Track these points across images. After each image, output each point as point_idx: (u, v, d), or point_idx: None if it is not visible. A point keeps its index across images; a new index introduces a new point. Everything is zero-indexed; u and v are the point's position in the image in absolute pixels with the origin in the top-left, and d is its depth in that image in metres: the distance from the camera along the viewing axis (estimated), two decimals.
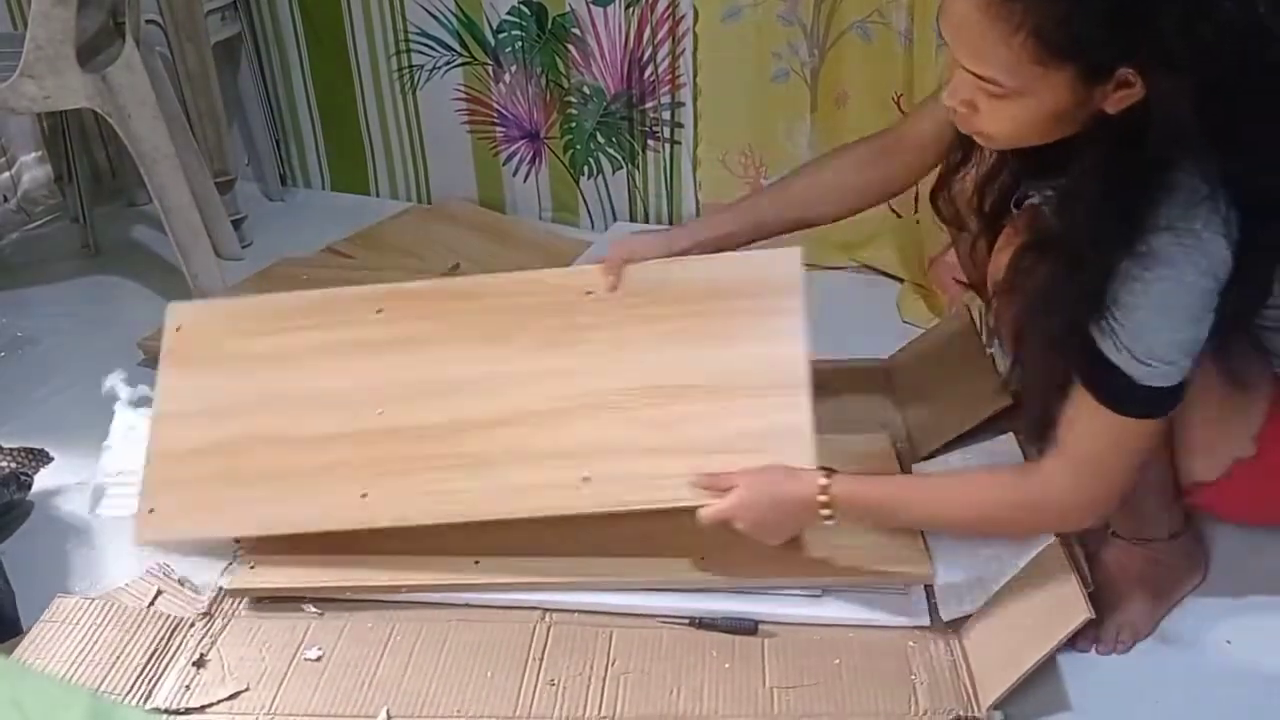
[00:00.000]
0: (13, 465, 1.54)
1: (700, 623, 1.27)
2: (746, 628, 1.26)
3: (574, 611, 1.30)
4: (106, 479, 1.56)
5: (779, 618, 1.27)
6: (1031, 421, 1.27)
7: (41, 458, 1.59)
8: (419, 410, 1.36)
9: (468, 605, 1.31)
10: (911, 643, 1.23)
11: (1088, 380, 1.10)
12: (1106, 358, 1.07)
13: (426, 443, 1.34)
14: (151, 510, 1.37)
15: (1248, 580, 1.35)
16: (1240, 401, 1.18)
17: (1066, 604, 1.14)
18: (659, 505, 1.26)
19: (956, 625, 1.26)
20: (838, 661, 1.21)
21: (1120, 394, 1.08)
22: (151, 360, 1.91)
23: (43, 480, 1.57)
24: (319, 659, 1.24)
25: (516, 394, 1.35)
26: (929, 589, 1.30)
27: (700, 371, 1.33)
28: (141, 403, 1.61)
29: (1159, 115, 1.00)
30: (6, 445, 1.58)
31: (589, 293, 1.41)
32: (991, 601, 1.24)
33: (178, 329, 1.49)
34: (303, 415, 1.38)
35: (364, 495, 1.32)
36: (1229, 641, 1.26)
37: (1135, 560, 1.29)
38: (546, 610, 1.30)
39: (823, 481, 1.20)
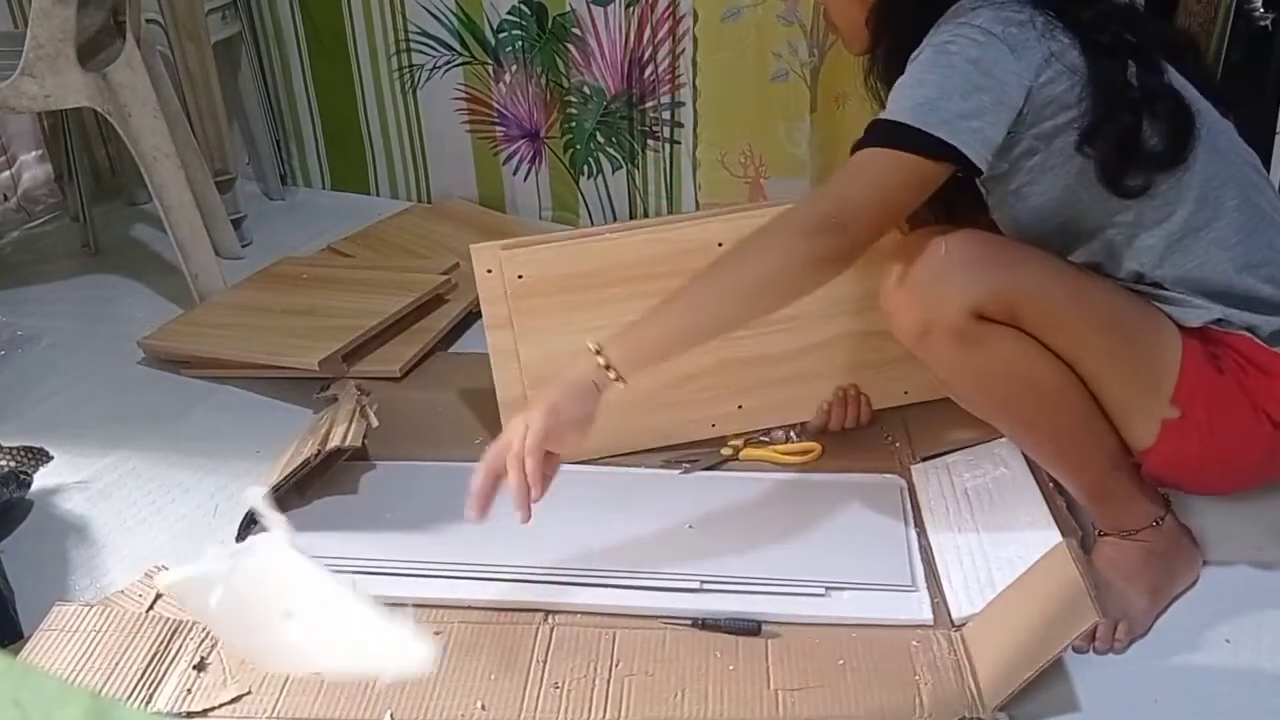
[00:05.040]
0: (12, 464, 1.54)
1: (703, 624, 1.26)
2: (749, 628, 1.25)
3: (576, 613, 1.30)
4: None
5: (783, 618, 1.27)
6: None
7: (41, 456, 1.58)
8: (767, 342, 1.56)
9: (469, 606, 1.31)
10: (915, 642, 1.23)
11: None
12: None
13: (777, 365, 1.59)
14: None
15: (1247, 578, 1.35)
16: (1146, 359, 1.21)
17: (1074, 605, 1.14)
18: None
19: (959, 624, 1.26)
20: (841, 662, 1.21)
21: (867, 131, 1.18)
22: (152, 359, 1.92)
23: (42, 479, 1.57)
24: (318, 672, 1.22)
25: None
26: (939, 589, 1.30)
27: None
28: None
29: None
30: (6, 444, 1.57)
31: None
32: (995, 601, 1.24)
33: (519, 277, 1.52)
34: None
35: (740, 407, 1.60)
36: (1228, 640, 1.26)
37: (1127, 556, 1.29)
38: (549, 611, 1.30)
39: (594, 350, 1.16)
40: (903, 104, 1.15)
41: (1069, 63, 1.16)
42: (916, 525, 1.41)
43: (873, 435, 1.61)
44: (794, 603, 1.29)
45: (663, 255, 1.51)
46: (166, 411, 1.79)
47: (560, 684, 1.20)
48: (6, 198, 2.46)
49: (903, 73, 1.20)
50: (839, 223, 1.14)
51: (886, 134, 1.15)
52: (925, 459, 1.53)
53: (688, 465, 1.55)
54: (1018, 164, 1.22)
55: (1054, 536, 1.29)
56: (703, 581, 1.31)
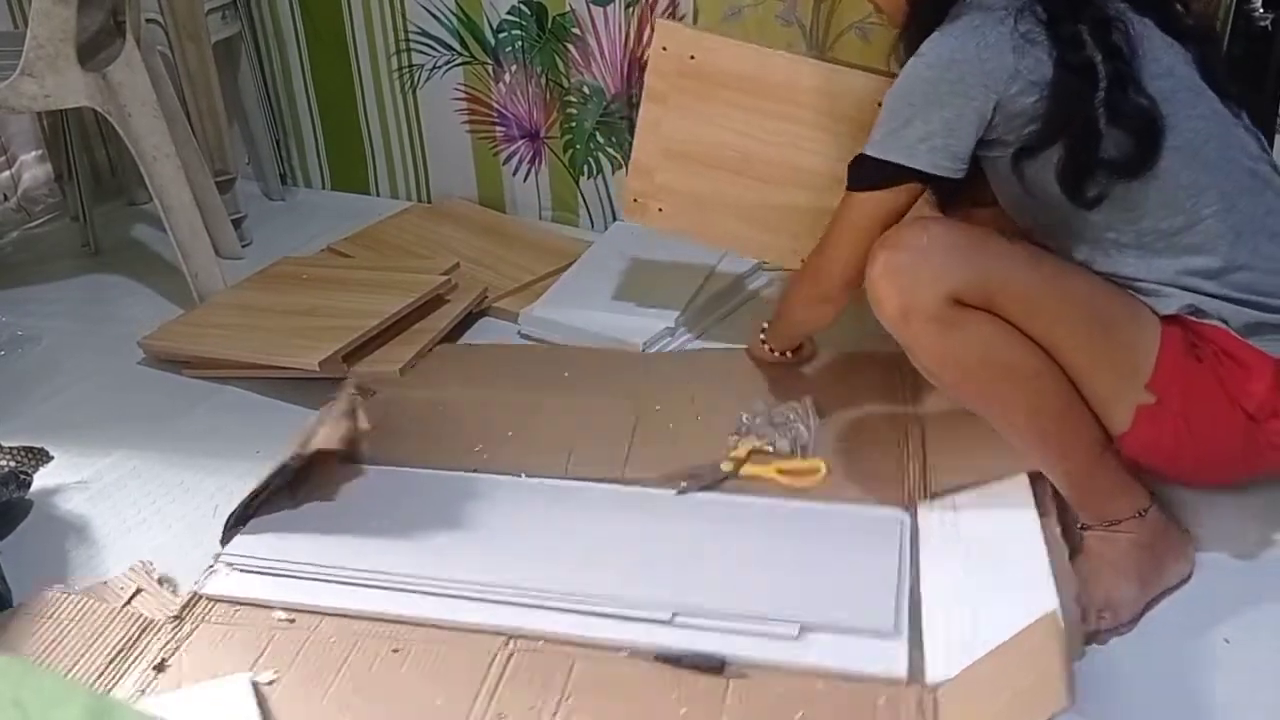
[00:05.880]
0: (12, 464, 1.54)
1: (666, 658, 1.21)
2: (712, 665, 1.19)
3: (539, 639, 1.25)
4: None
5: (751, 660, 1.21)
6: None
7: (41, 456, 1.58)
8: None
9: (434, 625, 1.28)
10: (882, 701, 1.15)
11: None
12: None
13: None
14: (660, 209, 1.75)
15: (1245, 577, 1.35)
16: (1122, 344, 1.24)
17: (1046, 687, 1.04)
18: None
19: (933, 686, 1.17)
20: (800, 716, 1.14)
21: (850, 169, 1.35)
22: (152, 360, 1.92)
23: (42, 479, 1.57)
24: (271, 683, 1.21)
25: None
26: (919, 641, 1.23)
27: None
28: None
29: None
30: (6, 444, 1.58)
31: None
32: (971, 667, 1.16)
33: (691, 57, 1.66)
34: (781, 179, 1.68)
35: (794, 250, 1.63)
36: (1227, 640, 1.26)
37: (1114, 547, 1.30)
38: (511, 636, 1.26)
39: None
40: (875, 135, 1.31)
41: (1039, 77, 1.21)
42: (911, 566, 1.34)
43: (883, 462, 1.52)
44: (764, 645, 1.22)
45: (824, 92, 1.61)
46: (167, 412, 1.79)
47: (504, 715, 1.16)
48: (6, 198, 2.46)
49: None
50: (832, 295, 1.43)
51: (861, 176, 1.33)
52: (934, 496, 1.44)
53: (685, 484, 1.50)
54: (1005, 152, 1.27)
55: (1049, 602, 1.19)
56: (675, 614, 1.26)
